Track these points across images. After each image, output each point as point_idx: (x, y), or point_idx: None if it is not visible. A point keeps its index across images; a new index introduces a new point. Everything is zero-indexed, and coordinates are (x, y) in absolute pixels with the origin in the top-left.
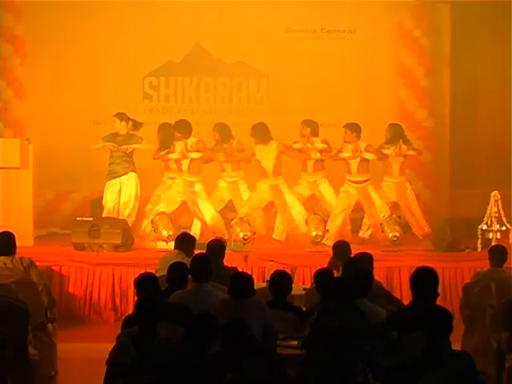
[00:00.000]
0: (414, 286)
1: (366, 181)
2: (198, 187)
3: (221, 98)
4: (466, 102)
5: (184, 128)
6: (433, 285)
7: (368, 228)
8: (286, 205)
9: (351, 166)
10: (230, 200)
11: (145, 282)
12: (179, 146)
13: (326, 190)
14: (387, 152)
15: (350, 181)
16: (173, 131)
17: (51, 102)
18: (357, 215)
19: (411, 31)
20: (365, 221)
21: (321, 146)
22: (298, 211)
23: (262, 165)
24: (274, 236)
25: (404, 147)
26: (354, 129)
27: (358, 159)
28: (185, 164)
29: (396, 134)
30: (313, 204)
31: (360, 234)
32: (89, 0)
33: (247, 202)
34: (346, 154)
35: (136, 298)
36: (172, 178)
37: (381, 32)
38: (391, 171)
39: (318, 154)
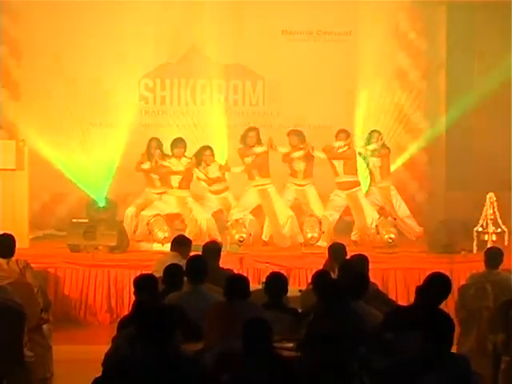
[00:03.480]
0: (421, 286)
1: (355, 185)
2: (189, 200)
3: (217, 100)
4: (462, 103)
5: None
6: (438, 289)
7: (357, 233)
8: (273, 209)
9: (337, 168)
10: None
11: (144, 283)
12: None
13: (312, 196)
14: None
15: (339, 187)
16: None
17: (47, 103)
18: (348, 218)
19: (407, 33)
20: (355, 226)
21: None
22: (284, 215)
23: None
24: (262, 237)
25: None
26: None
27: (342, 161)
28: (174, 180)
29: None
30: (297, 208)
31: (352, 238)
32: (85, 2)
33: (236, 206)
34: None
35: (133, 299)
36: (157, 194)
37: (377, 34)
38: (374, 177)
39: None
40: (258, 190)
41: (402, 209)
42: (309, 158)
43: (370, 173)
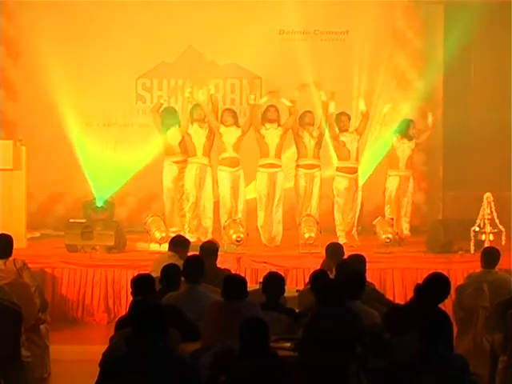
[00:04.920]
0: (420, 286)
1: (356, 170)
2: (208, 174)
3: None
4: (459, 103)
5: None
6: (437, 289)
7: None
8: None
9: (351, 152)
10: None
11: (142, 284)
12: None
13: (317, 186)
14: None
15: (341, 169)
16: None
17: (44, 103)
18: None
19: (404, 32)
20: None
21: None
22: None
23: (265, 141)
24: (263, 239)
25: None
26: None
27: (356, 145)
28: (198, 145)
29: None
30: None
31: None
32: (81, 2)
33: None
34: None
35: (131, 299)
36: (178, 162)
37: (374, 33)
38: (397, 164)
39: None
40: (269, 173)
41: (408, 204)
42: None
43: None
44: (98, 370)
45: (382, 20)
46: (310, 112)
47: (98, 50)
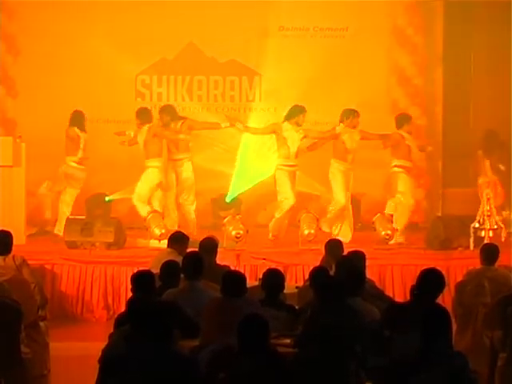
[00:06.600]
0: (415, 285)
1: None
2: (186, 167)
3: (213, 97)
4: (459, 100)
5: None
6: (432, 284)
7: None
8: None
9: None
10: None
11: (142, 280)
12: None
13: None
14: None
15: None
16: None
17: (44, 100)
18: None
19: (404, 29)
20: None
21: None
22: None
23: (287, 143)
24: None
25: None
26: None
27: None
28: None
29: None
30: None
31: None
32: None
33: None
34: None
35: (131, 296)
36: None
37: (374, 30)
38: None
39: None
40: (289, 172)
41: None
42: None
43: None
44: (97, 366)
45: (382, 17)
46: None
47: (97, 46)
